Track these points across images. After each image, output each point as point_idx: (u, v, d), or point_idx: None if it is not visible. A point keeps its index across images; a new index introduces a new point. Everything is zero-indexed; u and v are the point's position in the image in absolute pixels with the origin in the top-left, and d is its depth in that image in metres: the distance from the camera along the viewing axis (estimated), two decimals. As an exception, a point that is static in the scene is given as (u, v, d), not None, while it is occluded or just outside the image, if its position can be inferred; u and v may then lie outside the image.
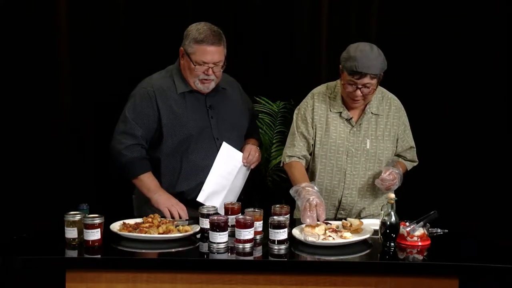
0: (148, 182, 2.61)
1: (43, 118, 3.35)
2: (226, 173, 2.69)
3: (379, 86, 2.60)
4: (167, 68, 2.72)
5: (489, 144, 3.38)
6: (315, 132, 2.64)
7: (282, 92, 3.51)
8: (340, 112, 2.62)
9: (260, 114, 3.44)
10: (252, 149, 2.76)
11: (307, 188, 2.43)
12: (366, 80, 2.45)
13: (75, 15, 3.35)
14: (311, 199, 2.35)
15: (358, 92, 2.49)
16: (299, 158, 2.65)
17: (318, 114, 2.65)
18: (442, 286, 2.03)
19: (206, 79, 2.58)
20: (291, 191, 2.47)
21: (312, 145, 2.65)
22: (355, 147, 2.61)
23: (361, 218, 2.52)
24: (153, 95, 2.61)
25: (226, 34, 2.62)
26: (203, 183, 2.63)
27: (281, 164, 2.76)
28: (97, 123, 3.40)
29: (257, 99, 3.46)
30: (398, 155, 2.73)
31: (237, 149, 2.72)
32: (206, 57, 2.53)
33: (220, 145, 2.66)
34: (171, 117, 2.61)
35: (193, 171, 2.64)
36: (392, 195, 2.18)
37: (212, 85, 2.62)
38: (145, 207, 2.65)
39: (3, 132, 3.30)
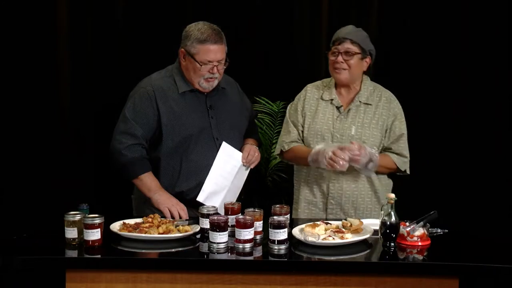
0: (148, 182, 2.61)
1: (43, 118, 3.35)
2: (225, 173, 2.68)
3: (373, 82, 2.62)
4: (167, 67, 2.72)
5: (489, 144, 3.38)
6: (304, 119, 2.72)
7: (282, 92, 3.51)
8: (332, 99, 2.69)
9: (260, 114, 3.44)
10: (252, 149, 2.77)
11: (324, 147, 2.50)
12: (347, 45, 2.57)
13: (75, 15, 3.36)
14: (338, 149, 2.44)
15: (340, 57, 2.58)
16: (297, 142, 2.72)
17: (309, 104, 2.73)
18: (442, 286, 2.03)
19: (211, 78, 2.60)
20: (310, 158, 2.53)
21: (302, 131, 2.72)
22: (340, 133, 2.65)
23: (362, 218, 2.51)
24: (153, 94, 2.61)
25: (226, 34, 2.63)
26: (203, 183, 2.62)
27: (279, 152, 2.76)
28: (97, 123, 3.40)
29: (257, 99, 3.46)
30: (388, 148, 2.69)
31: (237, 149, 2.73)
32: (210, 56, 2.54)
33: (220, 145, 2.66)
34: (171, 117, 2.61)
35: (193, 171, 2.64)
36: (392, 195, 2.18)
37: (215, 83, 2.63)
38: (144, 208, 2.64)
39: (3, 132, 3.30)
